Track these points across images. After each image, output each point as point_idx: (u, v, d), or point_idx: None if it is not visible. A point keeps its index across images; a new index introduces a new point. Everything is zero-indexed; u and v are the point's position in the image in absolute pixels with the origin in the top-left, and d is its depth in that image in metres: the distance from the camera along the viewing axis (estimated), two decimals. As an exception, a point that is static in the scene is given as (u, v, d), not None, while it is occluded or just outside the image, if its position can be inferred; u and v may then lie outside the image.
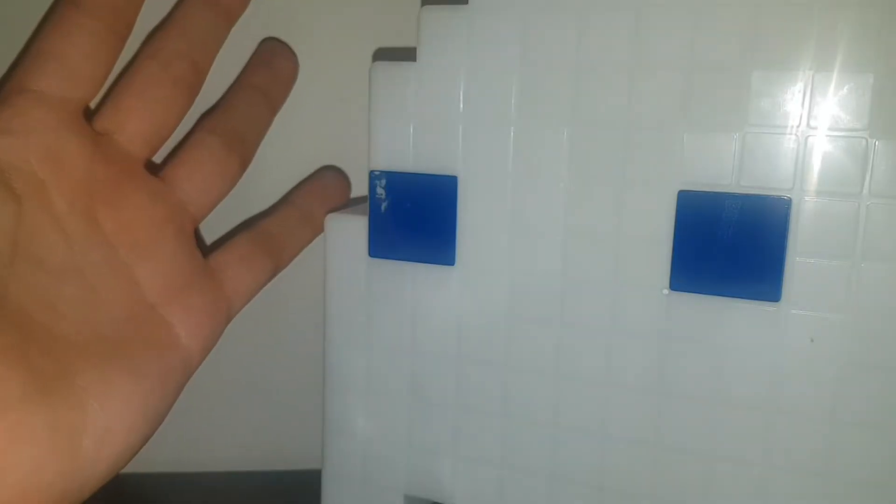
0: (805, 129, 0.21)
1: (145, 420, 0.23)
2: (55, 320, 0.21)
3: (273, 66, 0.30)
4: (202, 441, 0.35)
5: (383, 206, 0.26)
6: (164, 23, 0.28)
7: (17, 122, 0.23)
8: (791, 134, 0.21)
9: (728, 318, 0.22)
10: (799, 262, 0.21)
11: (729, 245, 0.22)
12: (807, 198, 0.21)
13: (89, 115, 0.26)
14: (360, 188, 0.32)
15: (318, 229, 0.30)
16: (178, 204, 0.26)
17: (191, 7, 0.28)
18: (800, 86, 0.21)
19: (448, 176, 0.25)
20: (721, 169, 0.22)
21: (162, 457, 0.35)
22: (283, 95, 0.31)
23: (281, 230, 0.29)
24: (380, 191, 0.26)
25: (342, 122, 0.32)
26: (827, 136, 0.21)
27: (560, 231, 0.24)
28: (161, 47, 0.26)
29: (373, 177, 0.26)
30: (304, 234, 0.30)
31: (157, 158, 0.29)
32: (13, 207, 0.22)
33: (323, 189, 0.31)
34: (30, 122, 0.23)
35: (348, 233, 0.26)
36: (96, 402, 0.21)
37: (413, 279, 0.26)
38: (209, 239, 0.33)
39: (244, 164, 0.29)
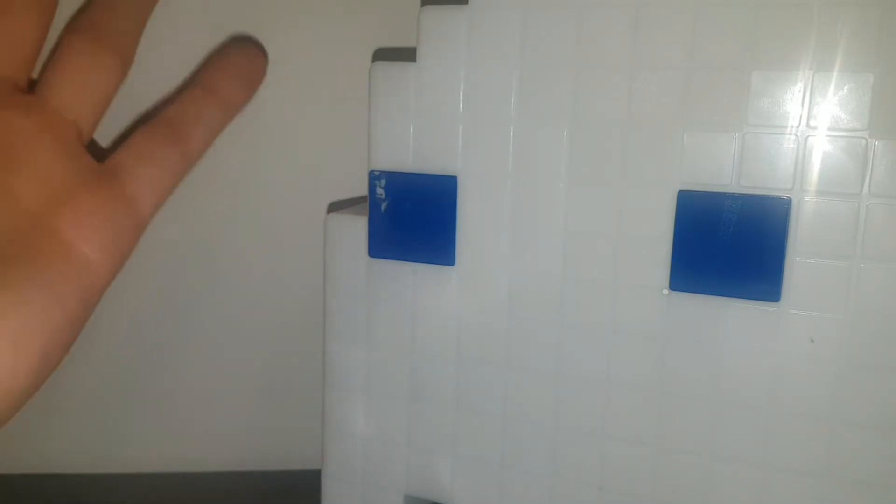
0: (805, 129, 0.21)
1: (36, 341, 0.21)
2: None
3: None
4: (203, 441, 0.35)
5: (383, 206, 0.26)
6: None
7: None
8: (791, 134, 0.21)
9: (728, 318, 0.22)
10: (799, 262, 0.21)
11: (729, 245, 0.22)
12: (807, 198, 0.21)
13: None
14: (360, 188, 0.32)
15: (230, 107, 0.28)
16: (53, 112, 0.25)
17: None
18: (800, 86, 0.21)
19: (448, 176, 0.25)
20: (721, 169, 0.22)
21: (162, 457, 0.35)
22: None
23: (181, 114, 0.27)
24: (380, 191, 0.26)
25: (342, 122, 0.32)
26: (827, 136, 0.21)
27: (560, 231, 0.24)
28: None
29: (373, 177, 0.26)
30: (210, 112, 0.28)
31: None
32: None
33: (227, 61, 0.29)
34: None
35: (348, 233, 0.26)
36: None
37: (413, 279, 0.26)
38: (211, 240, 0.33)
39: (124, 62, 0.27)
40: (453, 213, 0.25)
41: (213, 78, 0.28)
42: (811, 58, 0.21)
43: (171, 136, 0.26)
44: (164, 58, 0.30)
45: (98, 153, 0.26)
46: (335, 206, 0.32)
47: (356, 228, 0.26)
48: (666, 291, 0.23)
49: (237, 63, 0.29)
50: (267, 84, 0.32)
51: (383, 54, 0.31)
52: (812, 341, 0.21)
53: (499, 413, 0.25)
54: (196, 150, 0.27)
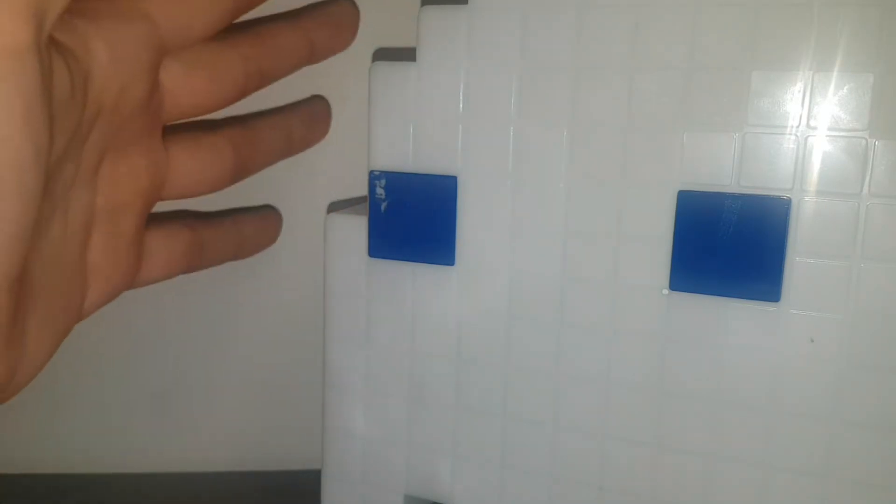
0: (805, 130, 0.21)
1: (31, 365, 0.22)
2: None
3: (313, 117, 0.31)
4: (203, 441, 0.35)
5: (383, 206, 0.26)
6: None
7: (124, 46, 0.22)
8: (791, 134, 0.21)
9: (728, 318, 0.22)
10: (799, 262, 0.21)
11: (729, 245, 0.22)
12: (807, 198, 0.21)
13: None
14: (360, 188, 0.32)
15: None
16: (162, 178, 0.25)
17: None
18: (800, 86, 0.21)
19: (448, 176, 0.25)
20: (721, 169, 0.22)
21: (162, 457, 0.35)
22: (307, 143, 0.31)
23: (216, 242, 0.29)
24: (379, 191, 0.26)
25: (342, 122, 0.32)
26: (827, 136, 0.21)
27: (560, 231, 0.24)
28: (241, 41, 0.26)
29: (372, 177, 0.26)
30: (227, 253, 0.30)
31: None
32: (76, 116, 0.20)
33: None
34: (131, 51, 0.22)
35: (348, 233, 0.26)
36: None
37: (413, 279, 0.26)
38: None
39: (235, 180, 0.28)
40: (453, 213, 0.25)
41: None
42: (811, 58, 0.21)
43: (197, 256, 0.29)
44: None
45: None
46: (335, 206, 0.32)
47: (356, 228, 0.26)
48: (666, 291, 0.23)
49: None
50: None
51: (383, 54, 0.31)
52: (812, 341, 0.21)
53: (499, 413, 0.25)
54: (202, 267, 0.29)
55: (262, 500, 0.34)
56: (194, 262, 0.28)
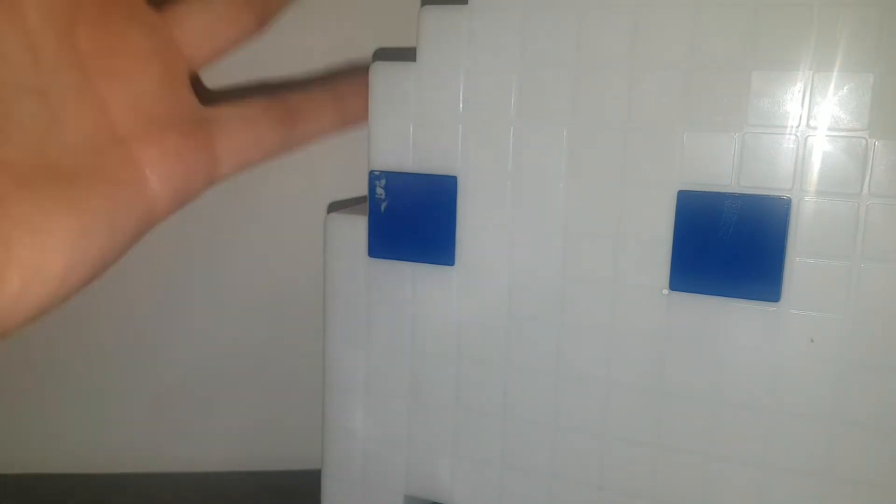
0: (805, 129, 0.21)
1: (85, 260, 0.21)
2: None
3: None
4: (203, 441, 0.35)
5: (383, 206, 0.26)
6: None
7: None
8: (791, 134, 0.21)
9: (728, 318, 0.22)
10: (799, 262, 0.21)
11: (729, 245, 0.22)
12: (807, 198, 0.21)
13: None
14: (360, 188, 0.32)
15: (348, 120, 0.27)
16: (172, 41, 0.24)
17: None
18: (800, 86, 0.21)
19: (448, 176, 0.25)
20: (721, 169, 0.22)
21: (162, 457, 0.35)
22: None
23: (302, 102, 0.26)
24: (379, 191, 0.26)
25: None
26: (827, 136, 0.21)
27: (560, 231, 0.24)
28: None
29: (372, 177, 0.26)
30: (328, 117, 0.27)
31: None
32: None
33: (363, 79, 0.27)
34: None
35: (348, 233, 0.26)
36: (27, 235, 0.19)
37: (413, 279, 0.26)
38: (211, 240, 0.33)
39: (261, 22, 0.26)
40: (453, 213, 0.25)
41: (346, 89, 0.28)
42: (811, 58, 0.21)
43: (281, 116, 0.25)
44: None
45: (203, 96, 0.25)
46: (335, 206, 0.32)
47: (356, 228, 0.26)
48: (666, 291, 0.23)
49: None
50: (266, 84, 0.32)
51: (383, 54, 0.31)
52: (812, 341, 0.21)
53: (499, 413, 0.25)
54: (296, 141, 0.26)
55: (262, 500, 0.34)
56: (286, 124, 0.26)
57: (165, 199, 0.23)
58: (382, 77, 0.25)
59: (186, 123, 0.23)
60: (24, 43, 0.21)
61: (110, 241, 0.21)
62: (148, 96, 0.23)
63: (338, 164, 0.32)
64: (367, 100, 0.27)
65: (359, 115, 0.28)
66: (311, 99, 0.27)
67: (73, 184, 0.21)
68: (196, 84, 0.25)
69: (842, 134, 0.21)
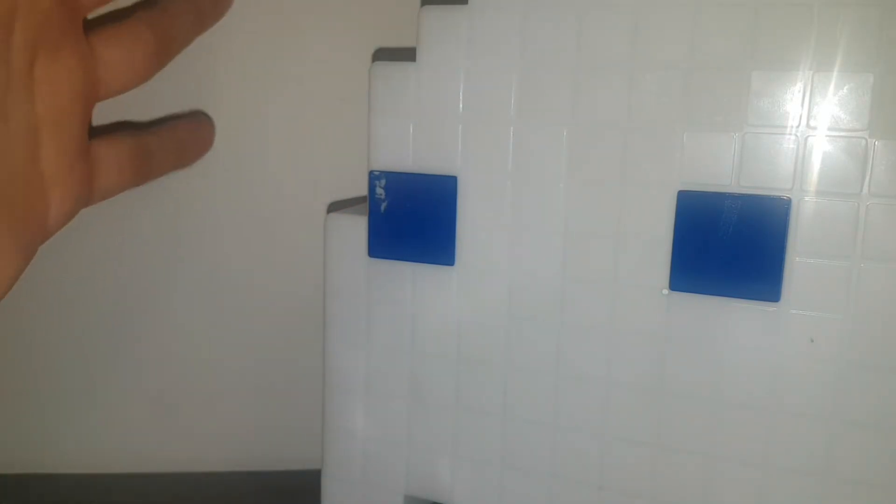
0: (805, 129, 0.21)
1: None
2: None
3: None
4: (203, 441, 0.35)
5: (383, 206, 0.26)
6: None
7: None
8: (791, 134, 0.21)
9: (728, 318, 0.22)
10: (799, 262, 0.21)
11: (729, 245, 0.22)
12: (807, 198, 0.21)
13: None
14: (360, 188, 0.32)
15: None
16: (95, 76, 0.25)
17: None
18: (800, 86, 0.21)
19: (448, 176, 0.25)
20: (721, 169, 0.22)
21: (162, 457, 0.35)
22: (216, 14, 0.31)
23: (159, 148, 0.29)
24: (379, 191, 0.26)
25: (342, 122, 0.32)
26: (827, 136, 0.21)
27: (560, 231, 0.24)
28: None
29: (372, 177, 0.26)
30: (171, 160, 0.30)
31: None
32: None
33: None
34: None
35: (348, 233, 0.26)
36: None
37: (413, 279, 0.26)
38: (211, 240, 0.33)
39: (160, 64, 0.28)
40: (453, 213, 0.25)
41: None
42: (811, 58, 0.21)
43: (144, 162, 0.28)
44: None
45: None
46: (335, 206, 0.32)
47: (356, 228, 0.26)
48: (666, 291, 0.23)
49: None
50: (267, 83, 0.32)
51: (383, 54, 0.31)
52: (812, 341, 0.21)
53: (499, 413, 0.25)
54: (147, 180, 0.29)
55: (262, 500, 0.34)
56: (143, 168, 0.28)
57: (52, 230, 0.25)
58: (382, 77, 0.25)
59: (82, 164, 0.25)
60: (5, 63, 0.22)
61: (13, 266, 0.23)
62: (71, 136, 0.25)
63: (338, 164, 0.32)
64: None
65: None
66: (164, 142, 0.30)
67: (6, 209, 0.22)
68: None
69: (842, 134, 0.21)
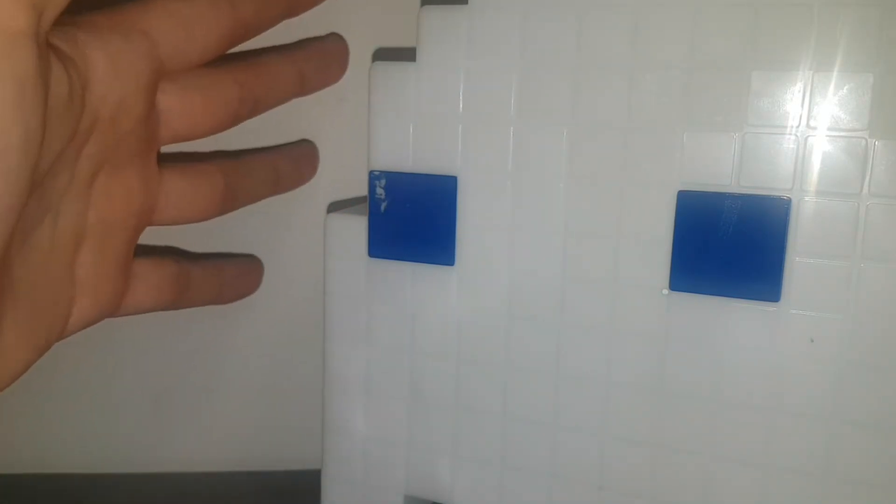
0: (805, 129, 0.21)
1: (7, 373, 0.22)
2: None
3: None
4: (203, 441, 0.35)
5: (383, 206, 0.26)
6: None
7: (123, 59, 0.22)
8: (791, 134, 0.21)
9: (728, 318, 0.22)
10: (799, 262, 0.21)
11: (729, 245, 0.22)
12: (807, 198, 0.21)
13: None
14: (360, 188, 0.32)
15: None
16: (154, 202, 0.26)
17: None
18: (799, 86, 0.21)
19: (448, 176, 0.25)
20: (721, 169, 0.22)
21: (162, 457, 0.35)
22: (295, 180, 0.32)
23: (201, 281, 0.30)
24: (379, 191, 0.26)
25: (342, 122, 0.32)
26: (827, 136, 0.21)
27: (560, 231, 0.24)
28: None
29: (372, 177, 0.26)
30: (209, 295, 0.30)
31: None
32: (71, 125, 0.20)
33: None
34: (130, 65, 0.22)
35: (348, 233, 0.26)
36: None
37: (412, 279, 0.26)
38: (200, 240, 0.33)
39: (223, 210, 0.28)
40: (453, 213, 0.25)
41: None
42: (811, 58, 0.21)
43: (182, 290, 0.29)
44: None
45: None
46: (335, 206, 0.32)
47: (356, 228, 0.26)
48: (666, 291, 0.23)
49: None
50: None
51: (383, 54, 0.31)
52: (812, 341, 0.21)
53: (499, 413, 0.25)
54: (181, 307, 0.29)
55: (262, 500, 0.34)
56: (181, 295, 0.29)
57: (66, 334, 0.25)
58: (382, 77, 0.25)
59: (116, 280, 0.25)
60: (69, 171, 0.22)
61: (25, 357, 0.23)
62: (110, 254, 0.24)
63: (338, 164, 0.32)
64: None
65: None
66: (209, 279, 0.31)
67: (33, 304, 0.22)
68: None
69: (842, 134, 0.21)
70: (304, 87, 0.30)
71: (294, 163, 0.31)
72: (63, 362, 0.35)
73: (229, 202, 0.28)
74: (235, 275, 0.32)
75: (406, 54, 0.25)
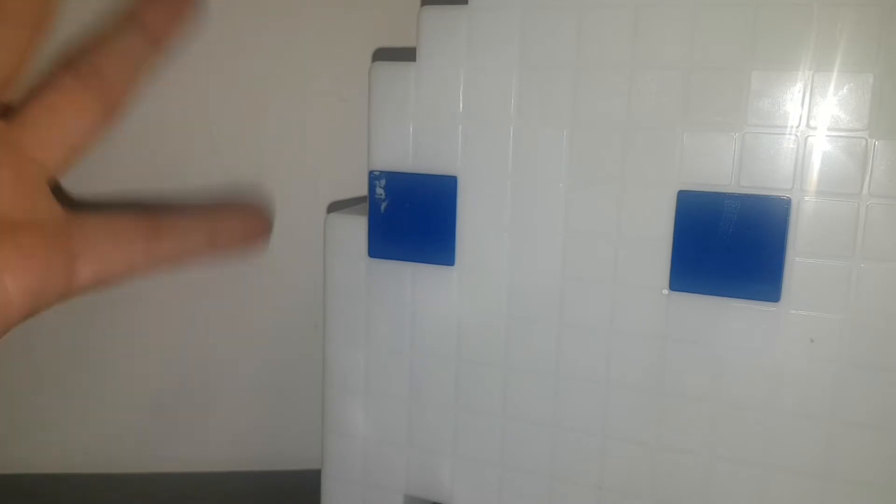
0: (805, 129, 0.21)
1: None
2: None
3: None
4: (203, 441, 0.35)
5: (383, 206, 0.26)
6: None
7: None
8: (791, 134, 0.21)
9: (728, 318, 0.22)
10: (799, 262, 0.21)
11: (728, 245, 0.22)
12: (807, 198, 0.21)
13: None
14: (360, 188, 0.32)
15: (217, 242, 0.27)
16: (19, 147, 0.23)
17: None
18: (800, 86, 0.21)
19: (448, 176, 0.25)
20: (721, 169, 0.22)
21: (162, 457, 0.35)
22: (171, 29, 0.26)
23: (172, 222, 0.26)
24: (379, 191, 0.26)
25: (342, 122, 0.32)
26: (827, 136, 0.21)
27: (560, 231, 0.24)
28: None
29: (372, 177, 0.26)
30: (197, 237, 0.27)
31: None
32: None
33: (241, 212, 0.29)
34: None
35: (348, 233, 0.26)
36: None
37: (412, 279, 0.26)
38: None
39: (108, 110, 0.25)
40: (453, 213, 0.25)
41: (220, 214, 0.28)
42: (811, 58, 0.21)
43: (148, 230, 0.25)
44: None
45: (71, 205, 0.25)
46: (335, 206, 0.32)
47: (356, 228, 0.26)
48: (666, 291, 0.23)
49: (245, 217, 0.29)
50: (267, 84, 0.32)
51: (383, 54, 0.31)
52: (812, 341, 0.21)
53: (499, 413, 0.25)
54: (163, 258, 0.26)
55: (262, 500, 0.34)
56: (155, 247, 0.25)
57: (19, 302, 0.22)
58: (382, 77, 0.25)
59: (43, 226, 0.23)
60: None
61: None
62: (2, 203, 0.22)
63: (338, 164, 0.32)
64: (240, 229, 0.28)
65: (230, 242, 0.28)
66: (182, 218, 0.26)
67: None
68: (60, 192, 0.24)
69: (842, 134, 0.21)
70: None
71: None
72: (63, 362, 0.35)
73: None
74: (229, 218, 0.28)
75: (406, 54, 0.25)
